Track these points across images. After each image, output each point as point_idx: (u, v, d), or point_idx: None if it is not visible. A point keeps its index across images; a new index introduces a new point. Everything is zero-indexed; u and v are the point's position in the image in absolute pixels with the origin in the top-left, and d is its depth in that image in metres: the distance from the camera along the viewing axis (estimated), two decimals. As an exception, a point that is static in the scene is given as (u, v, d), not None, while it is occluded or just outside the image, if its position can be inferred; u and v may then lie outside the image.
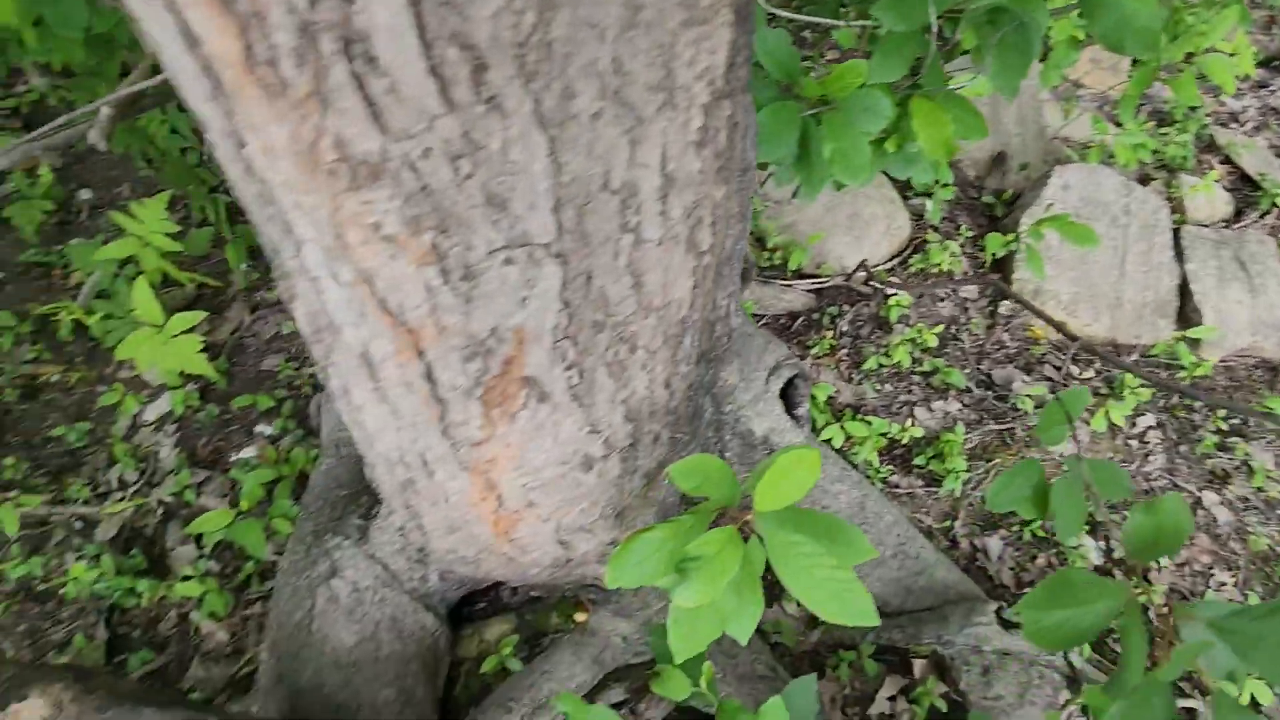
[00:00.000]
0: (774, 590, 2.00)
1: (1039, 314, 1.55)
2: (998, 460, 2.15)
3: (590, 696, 1.84)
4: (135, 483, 2.08)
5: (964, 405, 2.30)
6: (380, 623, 1.50)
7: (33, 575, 1.89)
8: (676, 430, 1.17)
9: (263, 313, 2.43)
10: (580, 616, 1.80)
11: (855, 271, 2.37)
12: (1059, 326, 1.46)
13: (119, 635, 1.85)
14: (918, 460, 2.14)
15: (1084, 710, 1.66)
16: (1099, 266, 2.52)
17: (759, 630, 1.88)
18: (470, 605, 1.85)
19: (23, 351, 2.28)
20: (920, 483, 2.12)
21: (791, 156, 1.58)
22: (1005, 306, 2.53)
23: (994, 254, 2.52)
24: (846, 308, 2.52)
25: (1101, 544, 2.04)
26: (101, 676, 1.26)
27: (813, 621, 1.92)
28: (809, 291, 2.57)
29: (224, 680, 1.75)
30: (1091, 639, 0.80)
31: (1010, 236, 2.48)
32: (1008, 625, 1.75)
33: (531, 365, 0.75)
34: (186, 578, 1.81)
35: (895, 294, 2.47)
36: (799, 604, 1.97)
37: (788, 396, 1.73)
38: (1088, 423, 2.21)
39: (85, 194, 2.79)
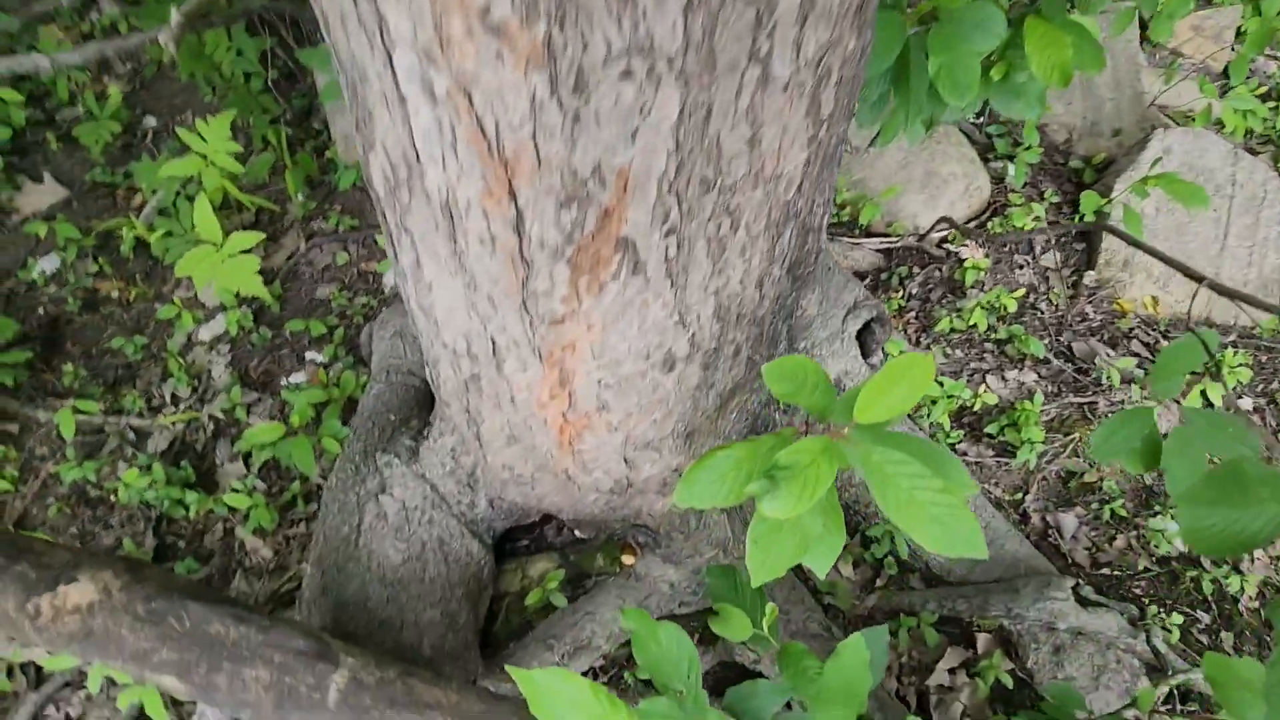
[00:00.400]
0: (828, 552, 1.91)
1: (1154, 253, 1.41)
2: (1077, 434, 2.01)
3: (630, 644, 1.78)
4: (187, 399, 2.08)
5: (1040, 376, 2.16)
6: (427, 544, 1.46)
7: (86, 479, 1.90)
8: (755, 350, 1.08)
9: (318, 241, 2.41)
10: (627, 559, 1.73)
11: (936, 227, 2.24)
12: (1183, 269, 1.32)
13: (165, 544, 1.85)
14: (989, 429, 2.01)
15: (1170, 698, 1.54)
16: (1198, 239, 2.34)
17: (812, 589, 1.80)
18: (513, 541, 1.80)
19: (85, 265, 2.30)
20: (991, 452, 2.00)
21: (887, 81, 1.46)
22: (1090, 277, 2.37)
23: (1083, 216, 2.35)
24: (917, 269, 2.39)
25: (1187, 530, 1.89)
26: (152, 568, 1.23)
27: (869, 585, 1.83)
28: (878, 251, 2.44)
29: (266, 595, 1.74)
30: (1260, 545, 0.69)
31: (1104, 200, 2.31)
32: (1085, 603, 1.63)
33: (631, 223, 0.67)
34: (235, 492, 1.79)
35: (970, 257, 2.33)
36: (855, 566, 1.87)
37: (863, 341, 1.62)
38: (1178, 401, 2.05)
39: (150, 120, 2.80)
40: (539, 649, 1.62)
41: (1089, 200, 2.22)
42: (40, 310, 2.22)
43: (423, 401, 1.83)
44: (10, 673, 1.62)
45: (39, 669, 1.64)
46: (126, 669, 1.14)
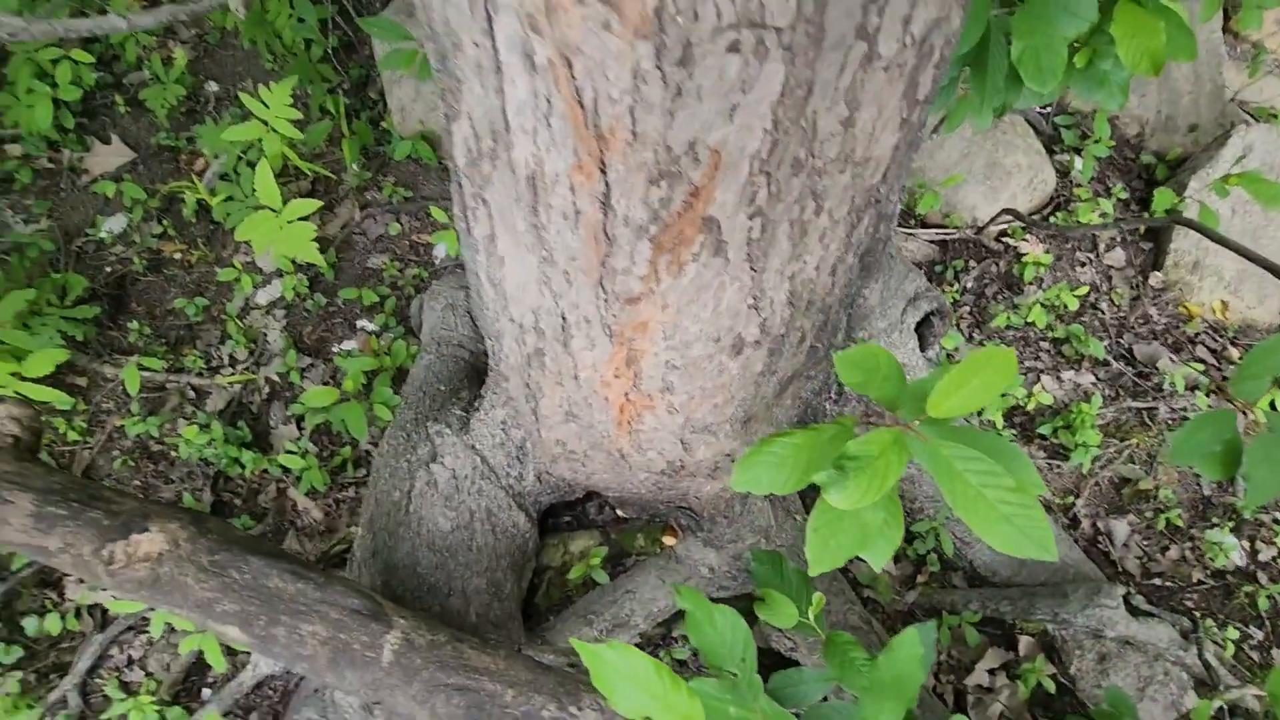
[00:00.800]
0: (869, 545, 1.89)
1: (1240, 250, 1.35)
2: (1134, 440, 1.95)
3: (668, 624, 1.80)
4: (244, 360, 2.13)
5: (1098, 379, 2.09)
6: (475, 514, 1.48)
7: (149, 434, 1.97)
8: (818, 338, 1.07)
9: (371, 211, 2.44)
10: (669, 540, 1.74)
11: (997, 219, 2.17)
12: (1274, 268, 1.26)
13: (222, 501, 1.92)
14: (1042, 429, 1.97)
15: (1220, 714, 1.50)
16: (1276, 243, 2.23)
17: (852, 582, 1.79)
18: (555, 517, 1.82)
19: (150, 227, 2.36)
20: (1042, 454, 1.95)
21: (960, 65, 1.42)
22: (1156, 278, 2.28)
23: (1154, 214, 2.26)
24: (973, 263, 2.33)
25: (1246, 544, 1.83)
26: (214, 521, 1.28)
27: (909, 582, 1.81)
28: (933, 242, 2.38)
29: (317, 555, 1.79)
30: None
31: (1177, 199, 2.22)
32: (1136, 612, 1.59)
33: (718, 202, 0.66)
34: (289, 453, 1.84)
35: (1031, 252, 2.26)
36: (896, 561, 1.85)
37: (921, 334, 1.59)
38: (1245, 413, 1.97)
39: (212, 86, 2.85)
40: (578, 623, 1.64)
41: (1163, 197, 2.13)
42: (107, 269, 2.30)
43: (472, 374, 1.86)
44: (78, 614, 1.70)
45: (105, 612, 1.72)
46: (191, 617, 1.19)
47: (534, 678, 1.10)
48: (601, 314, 0.82)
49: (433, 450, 1.53)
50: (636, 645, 1.78)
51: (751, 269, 0.75)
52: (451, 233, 2.10)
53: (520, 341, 0.99)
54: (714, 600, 1.80)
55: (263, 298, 2.27)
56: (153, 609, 1.53)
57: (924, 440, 0.85)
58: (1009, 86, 1.56)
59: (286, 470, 1.90)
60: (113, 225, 2.39)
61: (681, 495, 1.45)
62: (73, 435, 1.97)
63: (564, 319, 0.86)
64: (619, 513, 1.83)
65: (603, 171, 0.62)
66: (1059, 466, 1.93)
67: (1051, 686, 1.58)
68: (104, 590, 1.71)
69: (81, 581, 1.73)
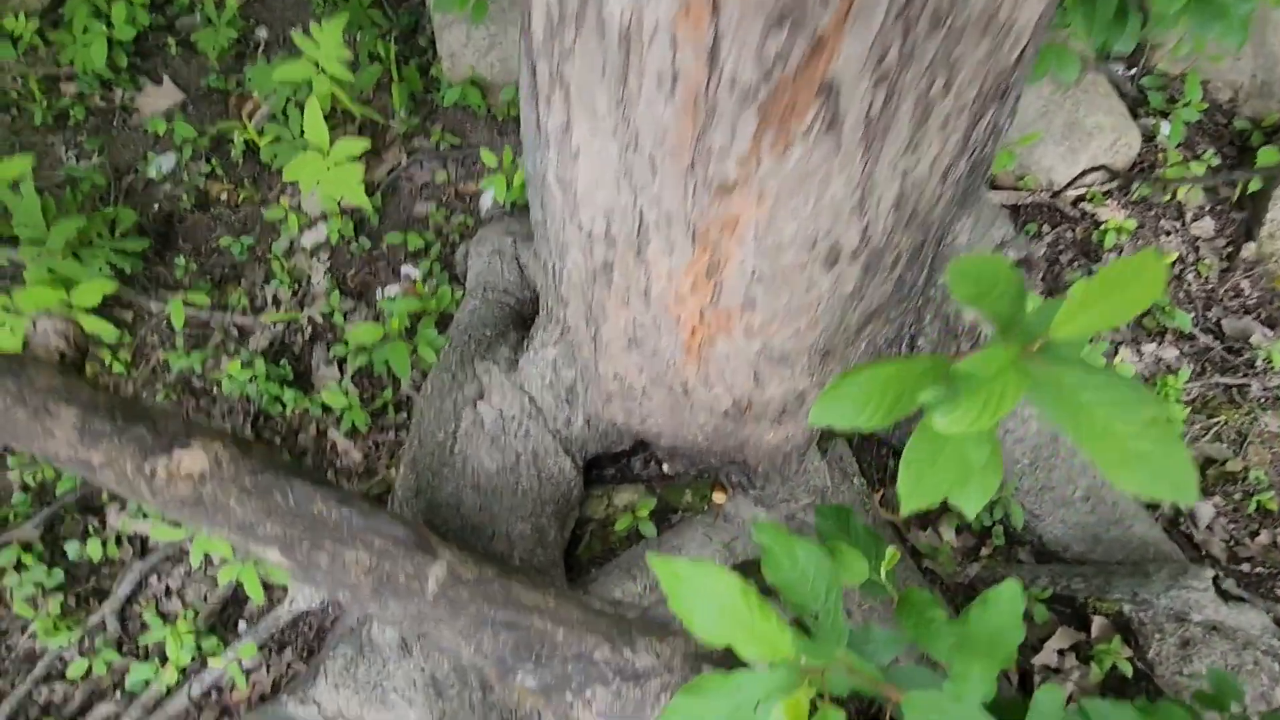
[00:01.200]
0: (927, 515, 1.80)
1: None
2: (1222, 418, 1.81)
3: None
4: (288, 301, 2.10)
5: (1182, 353, 1.95)
6: (521, 456, 1.42)
7: (192, 369, 1.95)
8: (908, 267, 0.97)
9: (418, 157, 2.38)
10: (718, 498, 1.67)
11: (1080, 180, 2.03)
12: None
13: (262, 438, 1.89)
14: (1121, 403, 1.83)
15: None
16: (1387, 215, 2.05)
17: (912, 552, 1.69)
18: (599, 469, 1.76)
19: (199, 166, 2.34)
20: (1119, 429, 1.82)
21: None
22: (1249, 250, 2.12)
23: (1249, 183, 2.10)
24: (1047, 228, 2.19)
25: (1344, 535, 1.69)
26: (258, 446, 1.24)
27: (971, 554, 1.71)
28: (1005, 206, 2.24)
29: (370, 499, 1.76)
30: None
31: (1276, 163, 2.05)
32: (1226, 596, 1.47)
33: (842, 58, 0.57)
34: (331, 391, 1.80)
35: (1111, 218, 2.12)
36: (958, 531, 1.75)
37: (1004, 286, 1.48)
38: (1348, 393, 1.82)
39: (262, 31, 2.82)
40: (621, 577, 1.58)
41: (1267, 155, 1.97)
42: (156, 206, 2.29)
43: (518, 321, 1.79)
44: (119, 541, 1.70)
45: (144, 541, 1.71)
46: (232, 539, 1.15)
47: (586, 618, 1.04)
48: (687, 210, 0.74)
49: (480, 389, 1.47)
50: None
51: (864, 155, 0.66)
52: (500, 178, 2.03)
53: (587, 254, 0.92)
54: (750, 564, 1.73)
55: (308, 240, 2.24)
56: (190, 540, 1.51)
57: (1043, 365, 0.76)
58: (1116, 22, 1.43)
59: (327, 411, 1.87)
60: (163, 163, 2.37)
61: (739, 445, 1.37)
62: (117, 367, 1.96)
63: (641, 219, 0.79)
64: (665, 468, 1.76)
65: (714, 13, 0.54)
66: (1137, 443, 1.80)
67: (1129, 670, 1.47)
68: (144, 519, 1.70)
69: (122, 508, 1.72)
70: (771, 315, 0.87)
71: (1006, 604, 0.85)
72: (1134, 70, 2.52)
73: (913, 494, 0.82)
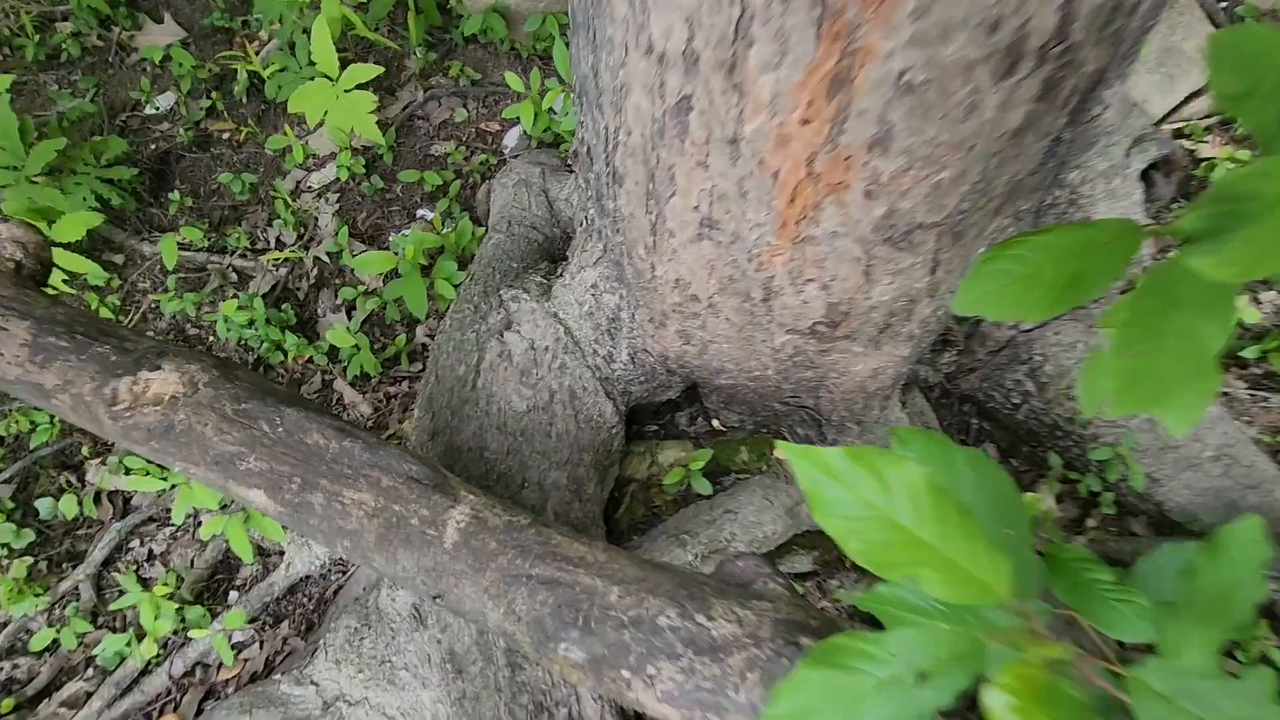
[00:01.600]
0: (1026, 479, 1.55)
1: None
2: (1367, 371, 1.55)
3: (771, 556, 1.50)
4: (292, 245, 1.90)
5: (1310, 301, 1.69)
6: (556, 394, 1.21)
7: (185, 313, 1.76)
8: (1070, 124, 0.74)
9: (436, 93, 2.18)
10: (781, 454, 1.43)
11: (1185, 104, 1.78)
12: None
13: (262, 390, 1.69)
14: (1245, 353, 1.58)
15: None
16: None
17: (1006, 519, 1.44)
18: (638, 424, 1.54)
19: (199, 103, 2.15)
20: (1243, 384, 1.57)
21: None
22: (1380, 189, 1.84)
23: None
24: (1142, 166, 1.93)
25: None
26: (245, 370, 1.03)
27: (1075, 526, 1.46)
28: (1092, 142, 1.98)
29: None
30: None
31: None
32: (1404, 573, 1.22)
33: None
34: (336, 331, 1.59)
35: (1219, 152, 1.86)
36: (1059, 500, 1.51)
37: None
38: None
39: (272, -29, 2.62)
40: (669, 543, 1.35)
41: None
42: (152, 146, 2.10)
43: (547, 254, 1.58)
44: (98, 500, 1.50)
45: (127, 500, 1.52)
46: (208, 478, 0.94)
47: (645, 574, 0.81)
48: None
49: (507, 317, 1.25)
50: (733, 580, 1.49)
51: None
52: (528, 105, 1.81)
53: (655, 93, 0.69)
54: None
55: (315, 179, 2.04)
56: (174, 489, 1.31)
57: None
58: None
59: (334, 359, 1.66)
60: (162, 101, 2.19)
61: (816, 383, 1.14)
62: (105, 312, 1.77)
63: (742, 8, 0.56)
64: (715, 423, 1.53)
65: None
66: (1266, 401, 1.55)
67: (1278, 659, 1.22)
68: (127, 474, 1.50)
69: (104, 463, 1.53)
70: (908, 158, 0.64)
71: (1243, 550, 0.62)
72: (1225, 1, 2.26)
73: (1126, 397, 0.59)
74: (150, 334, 1.76)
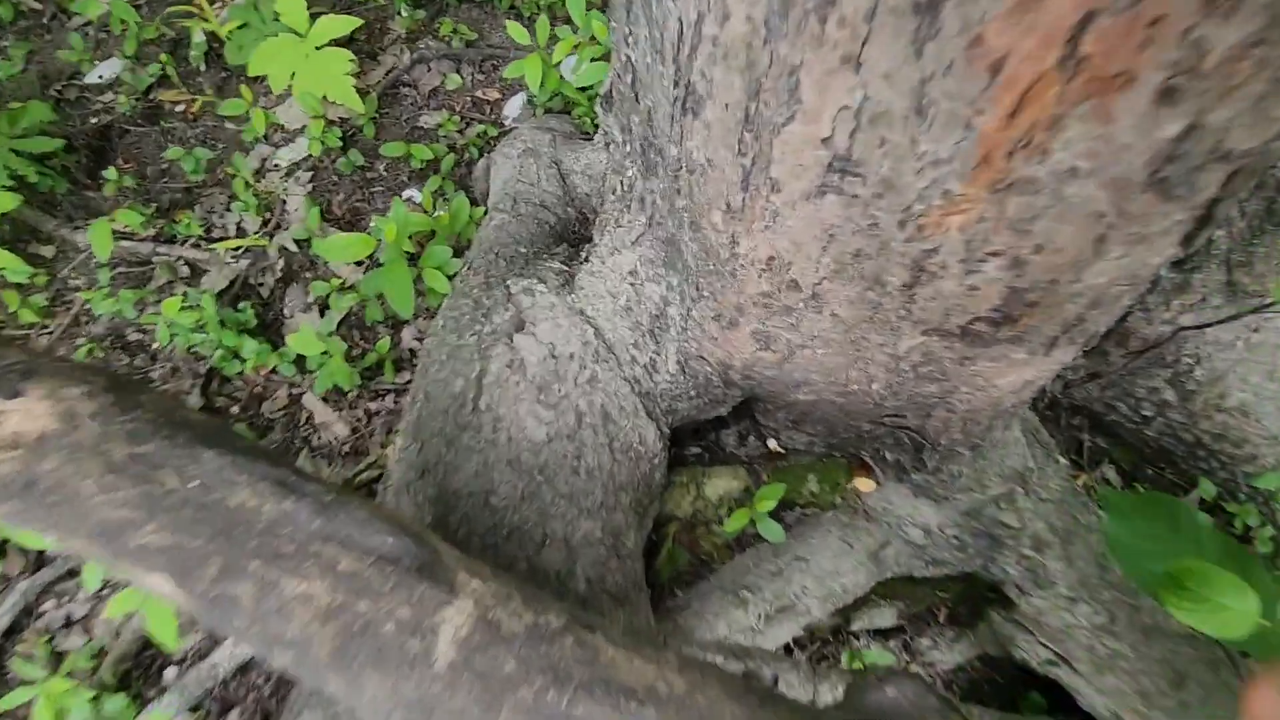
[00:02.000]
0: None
1: None
2: None
3: (850, 610, 1.21)
4: (256, 232, 1.60)
5: None
6: (585, 417, 0.91)
7: (123, 315, 1.46)
8: None
9: (425, 56, 1.87)
10: (862, 485, 1.14)
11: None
12: None
13: (214, 407, 1.39)
14: None
15: None
16: None
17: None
18: (678, 448, 1.25)
19: (149, 69, 1.84)
20: None
21: None
22: None
23: None
24: None
25: None
26: (153, 394, 0.73)
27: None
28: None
29: (337, 483, 1.25)
30: None
31: None
32: None
33: None
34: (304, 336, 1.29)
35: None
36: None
37: None
38: None
39: (238, -73, 2.31)
40: (725, 602, 1.07)
41: None
42: (93, 119, 1.79)
43: (560, 239, 1.28)
44: (3, 551, 1.20)
45: (41, 551, 1.22)
46: (91, 551, 0.64)
47: (752, 714, 0.52)
48: None
49: (517, 316, 0.96)
50: (799, 644, 1.20)
51: None
52: (535, 60, 1.51)
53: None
54: (922, 582, 1.20)
55: (283, 157, 1.74)
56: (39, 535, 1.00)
57: None
58: None
59: (303, 369, 1.36)
60: (105, 69, 1.88)
61: (937, 399, 0.85)
62: (27, 315, 1.46)
63: None
64: (772, 444, 1.24)
65: None
66: None
67: None
68: None
69: None
70: (1268, 20, 0.35)
71: None
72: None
73: None
74: (84, 341, 1.45)
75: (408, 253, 1.35)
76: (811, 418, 1.03)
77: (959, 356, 0.73)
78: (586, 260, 1.00)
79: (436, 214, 1.43)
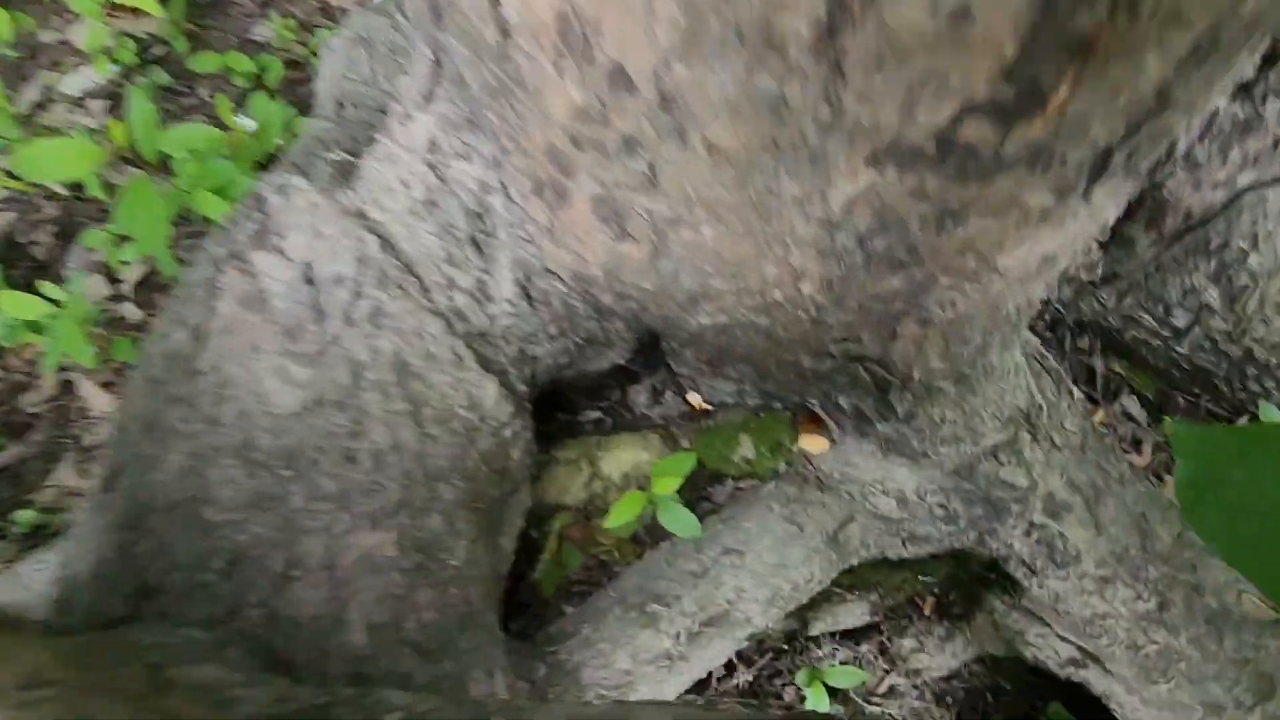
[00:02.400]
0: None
1: None
2: None
3: (807, 611, 0.92)
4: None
5: None
6: (366, 372, 0.59)
7: None
8: None
9: (256, -49, 1.50)
10: (813, 444, 0.84)
11: None
12: None
13: (-43, 405, 1.04)
14: None
15: None
16: None
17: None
18: (569, 411, 0.93)
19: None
20: None
21: None
22: None
23: None
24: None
25: None
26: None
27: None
28: None
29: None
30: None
31: None
32: None
33: None
34: (50, 300, 0.94)
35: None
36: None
37: None
38: None
39: None
40: (625, 619, 0.77)
41: None
42: None
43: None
44: None
45: None
46: None
47: None
48: None
49: (262, 224, 0.62)
50: (744, 660, 0.91)
51: None
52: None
53: None
54: (898, 565, 0.91)
55: (72, 85, 1.36)
56: None
57: None
58: None
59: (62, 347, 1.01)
60: None
61: (906, 301, 0.54)
62: None
63: None
64: (693, 400, 0.92)
65: None
66: None
67: None
68: None
69: None
70: None
71: None
72: None
73: None
74: None
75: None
76: (730, 354, 0.72)
77: (936, 210, 0.42)
78: (375, 144, 0.67)
79: (239, 125, 1.08)
